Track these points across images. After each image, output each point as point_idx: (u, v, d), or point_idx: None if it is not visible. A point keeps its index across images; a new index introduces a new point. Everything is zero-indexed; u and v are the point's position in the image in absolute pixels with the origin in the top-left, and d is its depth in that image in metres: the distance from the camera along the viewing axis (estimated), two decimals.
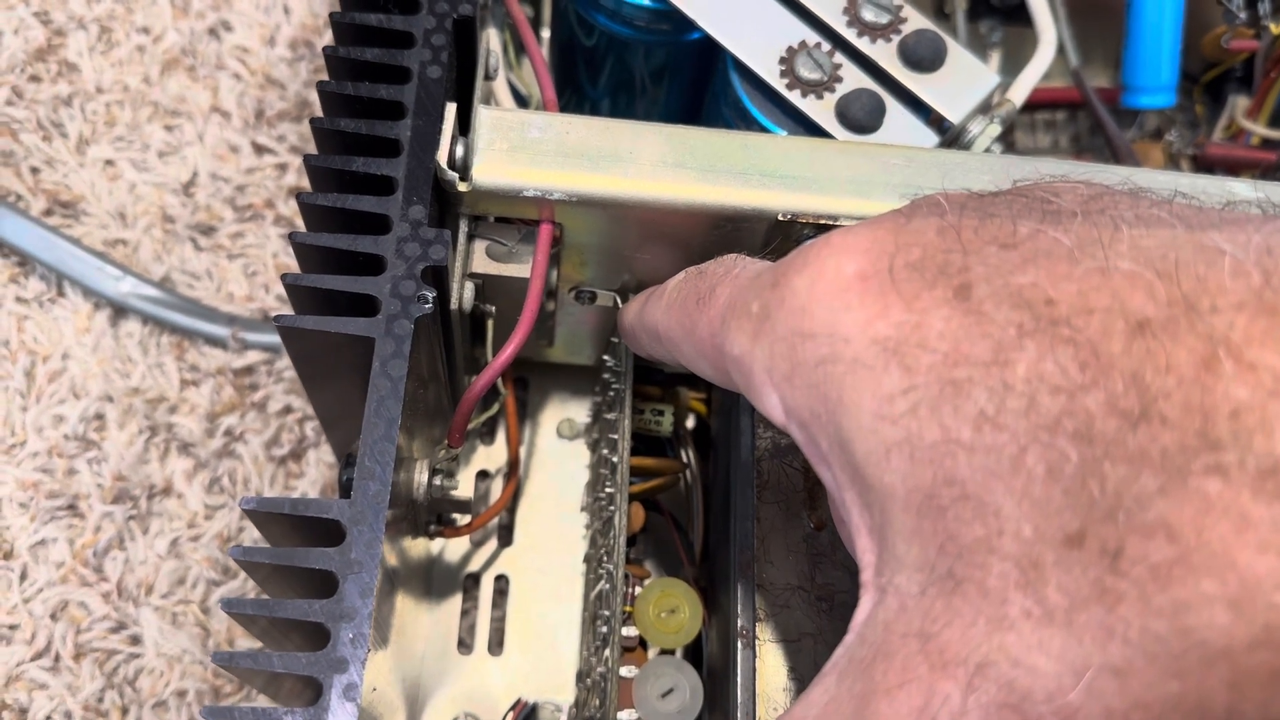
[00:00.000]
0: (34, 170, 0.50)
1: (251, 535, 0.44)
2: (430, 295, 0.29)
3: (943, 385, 0.19)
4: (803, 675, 0.30)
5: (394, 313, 0.29)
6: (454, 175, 0.32)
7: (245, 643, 0.42)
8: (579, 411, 0.46)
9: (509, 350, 0.32)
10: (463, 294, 0.33)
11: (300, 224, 0.50)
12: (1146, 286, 0.18)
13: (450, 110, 0.32)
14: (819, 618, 0.31)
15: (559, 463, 0.45)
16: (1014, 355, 0.18)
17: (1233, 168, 0.49)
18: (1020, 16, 0.45)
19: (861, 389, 0.20)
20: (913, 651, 0.18)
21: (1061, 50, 0.48)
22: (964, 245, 0.20)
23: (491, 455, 0.45)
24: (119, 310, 0.47)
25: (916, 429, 0.19)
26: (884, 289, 0.20)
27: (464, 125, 0.33)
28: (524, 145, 0.33)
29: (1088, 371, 0.17)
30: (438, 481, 0.33)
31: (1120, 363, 0.17)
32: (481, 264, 0.34)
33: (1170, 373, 0.17)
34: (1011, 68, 0.43)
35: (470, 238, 0.34)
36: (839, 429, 0.20)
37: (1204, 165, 0.50)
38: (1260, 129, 0.48)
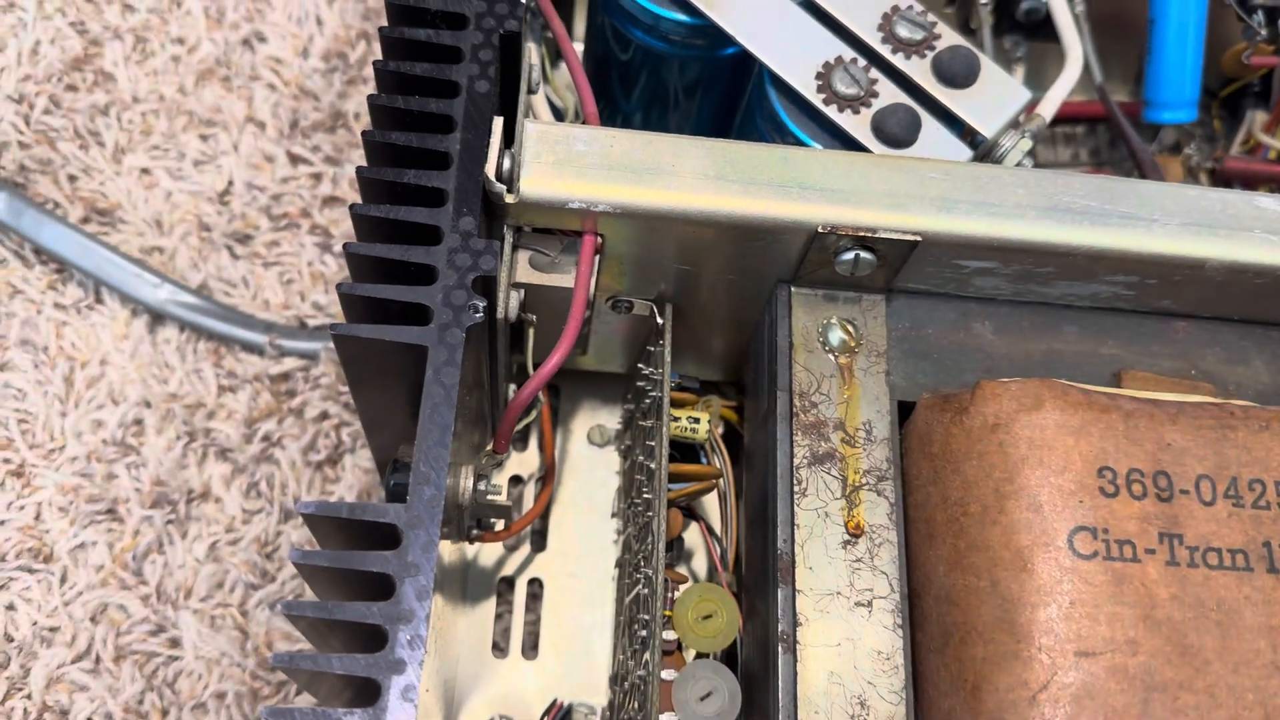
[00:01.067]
0: (71, 178, 0.51)
1: (289, 539, 0.45)
2: (481, 304, 0.30)
3: None
4: (843, 679, 0.31)
5: (446, 321, 0.30)
6: (502, 187, 0.33)
7: (283, 645, 0.43)
8: (609, 419, 0.46)
9: (555, 358, 0.33)
10: (509, 303, 0.34)
11: (335, 233, 0.50)
12: None
13: (498, 124, 0.33)
14: (858, 623, 0.32)
15: (590, 469, 0.46)
16: None
17: (1250, 181, 0.50)
18: (1043, 32, 0.46)
19: None
20: None
21: (1087, 66, 0.49)
22: None
23: (524, 461, 0.46)
24: (156, 317, 0.48)
25: None
26: None
27: (509, 138, 0.34)
28: (570, 158, 0.33)
29: None
30: (481, 486, 0.34)
31: None
32: (525, 274, 0.35)
33: None
34: (1034, 83, 0.44)
35: (514, 248, 0.35)
36: None
37: (1222, 179, 0.51)
38: (1278, 143, 0.49)
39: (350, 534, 0.29)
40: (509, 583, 0.43)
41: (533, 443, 0.46)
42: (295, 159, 0.52)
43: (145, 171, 0.51)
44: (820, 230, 0.33)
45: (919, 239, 0.33)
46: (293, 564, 0.28)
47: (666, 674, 0.35)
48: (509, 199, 0.33)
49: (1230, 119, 0.54)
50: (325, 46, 0.54)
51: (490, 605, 0.43)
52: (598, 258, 0.35)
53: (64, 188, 0.50)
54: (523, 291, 0.35)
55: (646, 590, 0.35)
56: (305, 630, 0.31)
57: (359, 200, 0.32)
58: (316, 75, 0.53)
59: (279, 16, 0.55)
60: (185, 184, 0.51)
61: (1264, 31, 0.48)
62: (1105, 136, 0.56)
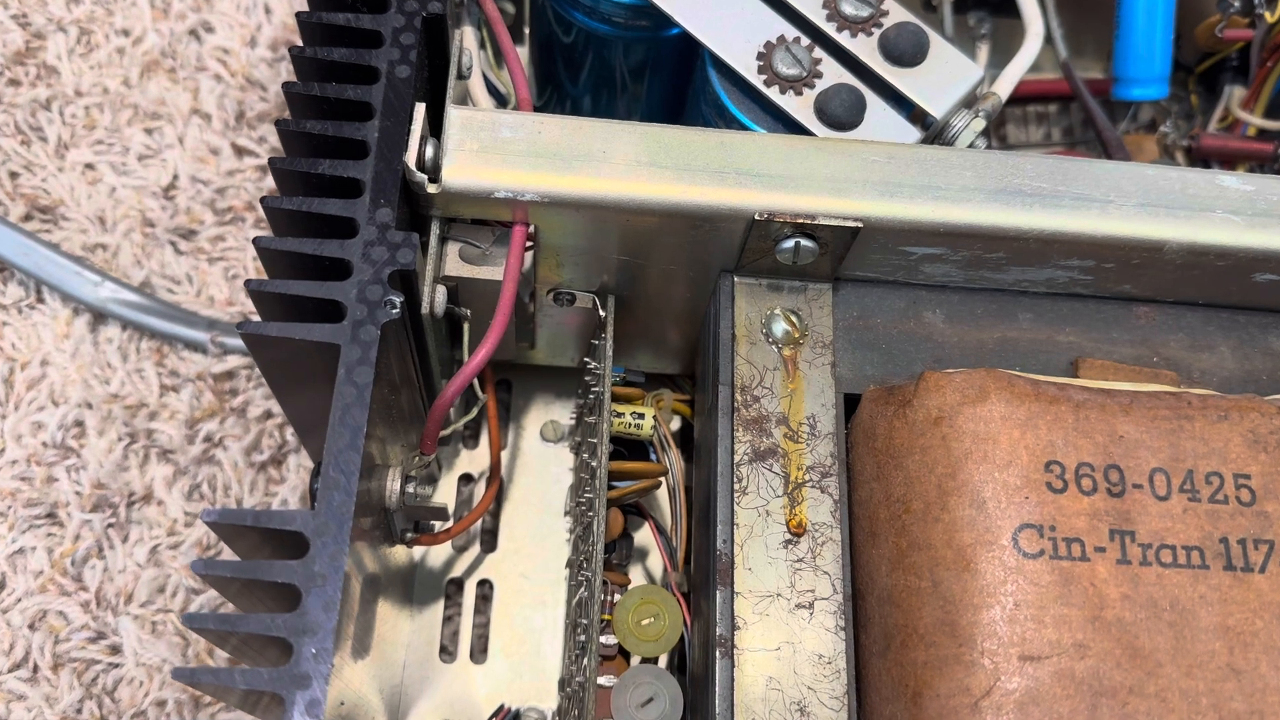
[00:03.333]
0: (12, 175, 0.49)
1: None
2: (398, 300, 0.29)
3: None
4: (782, 685, 0.30)
5: (360, 318, 0.29)
6: (423, 177, 0.31)
7: (225, 653, 0.42)
8: (563, 414, 0.45)
9: (480, 355, 0.31)
10: (434, 298, 0.33)
11: None
12: None
13: (419, 110, 0.32)
14: (799, 626, 0.30)
15: (543, 466, 0.44)
16: None
17: (1228, 159, 0.48)
18: (1009, 8, 0.44)
19: None
20: None
21: (1051, 41, 0.47)
22: None
23: (475, 459, 0.44)
24: (98, 316, 0.47)
25: None
26: None
27: (436, 126, 0.33)
28: (495, 145, 0.32)
29: None
30: (410, 489, 0.33)
31: None
32: (454, 266, 0.34)
33: None
34: (1001, 60, 0.43)
35: (443, 240, 0.34)
36: None
37: (1199, 157, 0.49)
38: (1256, 120, 0.47)
39: (263, 542, 0.28)
40: (458, 584, 0.42)
41: (484, 440, 0.45)
42: (241, 151, 0.50)
43: (89, 167, 0.50)
44: (758, 218, 0.32)
45: (860, 225, 0.32)
46: (197, 575, 0.27)
47: (606, 680, 0.34)
48: (431, 189, 0.31)
49: (1208, 95, 0.52)
50: (273, 35, 0.53)
51: (438, 608, 0.41)
52: (530, 249, 0.34)
53: (4, 185, 0.49)
54: (454, 285, 0.34)
55: (586, 593, 0.34)
56: (226, 647, 0.30)
57: None
58: (264, 65, 0.52)
59: (227, 6, 0.53)
60: (129, 179, 0.49)
61: (1237, 3, 0.46)
62: (1078, 116, 0.54)
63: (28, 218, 0.49)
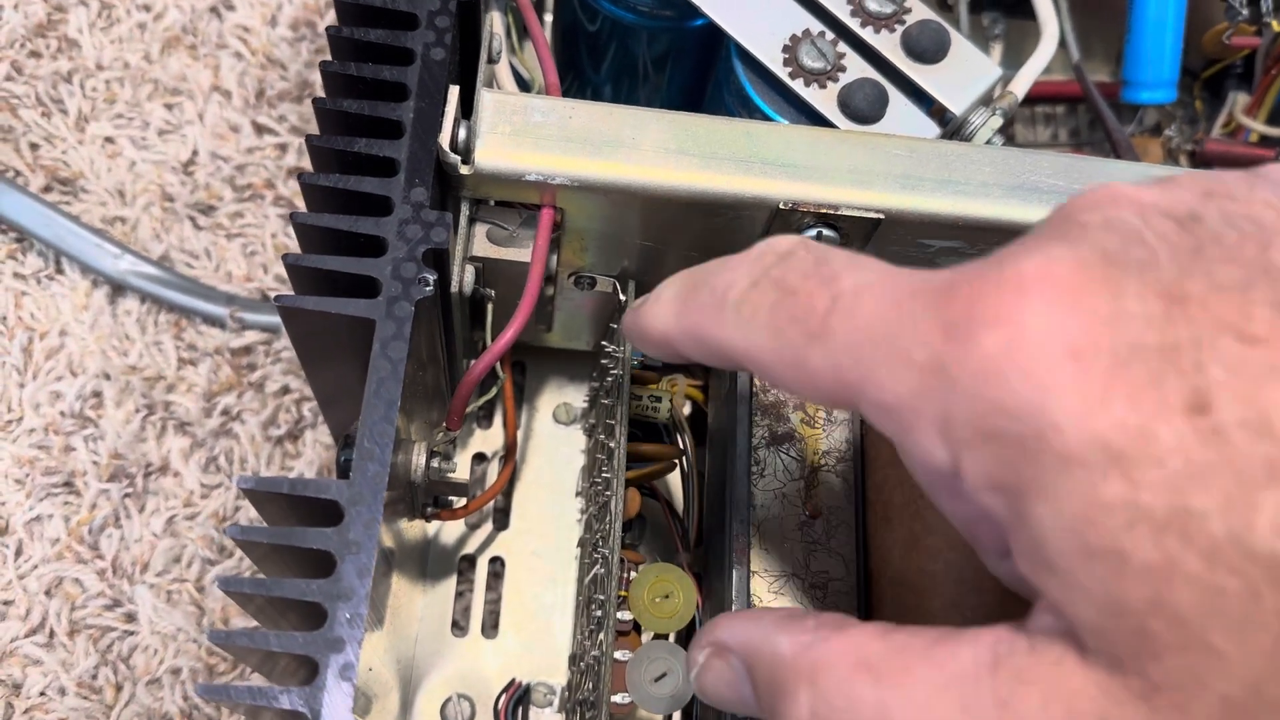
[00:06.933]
0: (33, 146, 0.50)
1: (247, 514, 0.44)
2: (431, 278, 0.30)
3: (1172, 509, 0.17)
4: None
5: (395, 295, 0.29)
6: (456, 158, 0.32)
7: (240, 622, 0.42)
8: (576, 396, 0.46)
9: (508, 335, 0.32)
10: (463, 277, 0.33)
11: (300, 205, 0.50)
12: None
13: (453, 93, 0.32)
14: (813, 606, 0.31)
15: (555, 447, 0.45)
16: (1260, 497, 0.17)
17: (1231, 165, 0.49)
18: (1022, 9, 0.45)
19: (1071, 487, 0.18)
20: None
21: (1063, 44, 0.48)
22: (1194, 328, 0.18)
23: (489, 439, 0.45)
24: (117, 288, 0.47)
25: (1131, 546, 0.18)
26: (1104, 376, 0.18)
27: (467, 108, 0.33)
28: (527, 129, 0.33)
29: None
30: (435, 464, 0.33)
31: None
32: (482, 247, 0.34)
33: None
34: (1012, 60, 0.44)
35: (471, 221, 0.34)
36: (1028, 510, 0.19)
37: (1202, 162, 0.50)
38: (1259, 126, 0.48)
39: (293, 510, 0.29)
40: (470, 561, 0.43)
41: (497, 420, 0.45)
42: (261, 129, 0.51)
43: (109, 140, 0.50)
44: (782, 207, 0.32)
45: (881, 217, 0.32)
46: (231, 539, 0.28)
47: (621, 655, 0.35)
48: (464, 170, 0.32)
49: (1212, 100, 0.53)
50: (294, 15, 0.53)
51: (451, 583, 0.42)
52: (556, 232, 0.34)
53: (25, 156, 0.49)
54: (480, 266, 0.35)
55: (603, 570, 0.35)
56: (249, 609, 0.30)
57: None
58: (284, 44, 0.52)
59: None
60: (149, 153, 0.50)
61: (1245, 11, 0.47)
62: (1086, 117, 0.55)
63: (48, 189, 0.49)
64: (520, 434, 0.45)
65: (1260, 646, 0.17)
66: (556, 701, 0.40)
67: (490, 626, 0.42)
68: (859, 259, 0.23)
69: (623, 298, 0.38)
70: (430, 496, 0.37)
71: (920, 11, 0.37)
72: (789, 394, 0.25)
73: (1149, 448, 0.17)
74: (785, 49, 0.36)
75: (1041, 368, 0.18)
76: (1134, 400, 0.18)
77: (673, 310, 0.26)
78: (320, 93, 0.32)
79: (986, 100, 0.37)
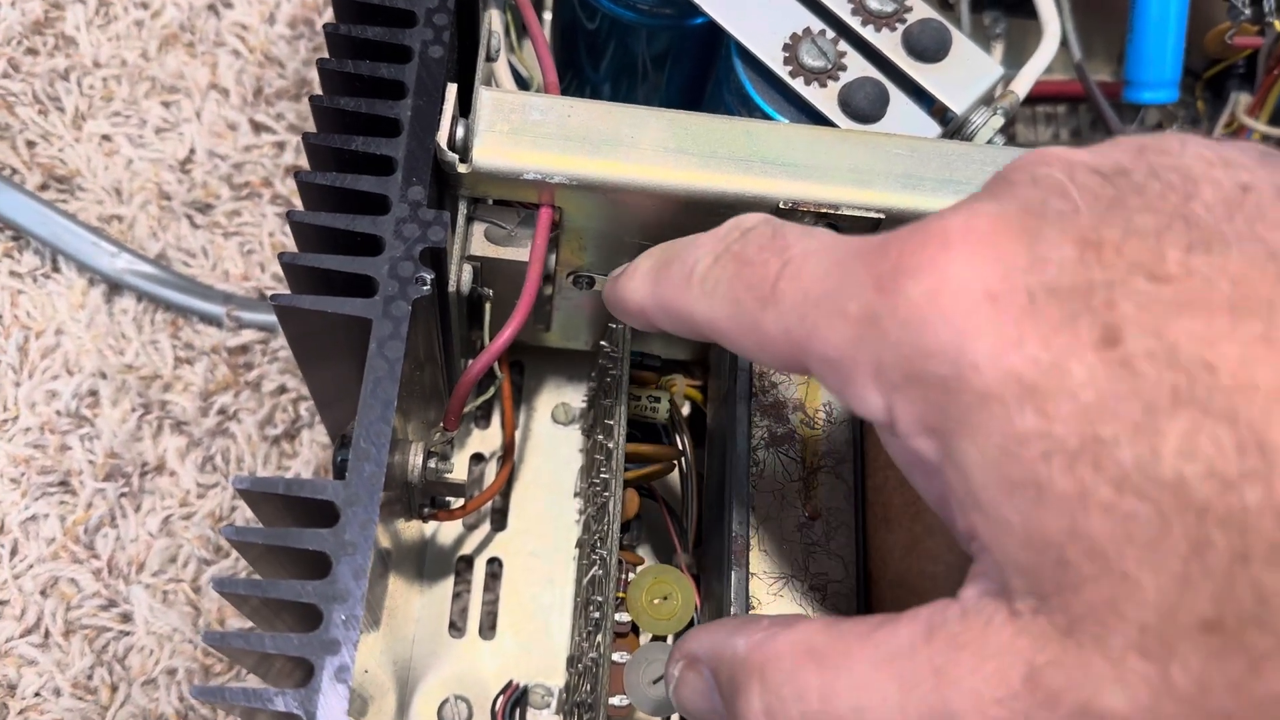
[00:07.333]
0: (30, 144, 0.49)
1: (243, 515, 0.44)
2: (428, 277, 0.29)
3: (1084, 438, 0.18)
4: None
5: (391, 294, 0.29)
6: (454, 156, 0.32)
7: (236, 622, 0.42)
8: (574, 396, 0.46)
9: (506, 334, 0.32)
10: (461, 276, 0.33)
11: (298, 203, 0.49)
12: None
13: (451, 91, 0.32)
14: (811, 608, 0.31)
15: (554, 447, 0.45)
16: (1166, 423, 0.17)
17: None
18: (1024, 9, 0.45)
19: (989, 422, 0.19)
20: (1014, 673, 0.19)
21: (1065, 43, 0.48)
22: (1107, 270, 0.19)
23: (486, 439, 0.45)
24: (114, 287, 0.47)
25: (1048, 476, 0.18)
26: (1019, 316, 0.19)
27: (465, 106, 0.33)
28: (525, 128, 0.32)
29: (1247, 459, 0.17)
30: (432, 464, 0.33)
31: None
32: (480, 247, 0.34)
33: None
34: (1014, 60, 0.43)
35: (469, 220, 0.34)
36: (955, 449, 0.20)
37: None
38: (1261, 126, 0.48)
39: (289, 511, 0.28)
40: (468, 561, 0.43)
41: (495, 420, 0.45)
42: (258, 127, 0.51)
43: (106, 138, 0.50)
44: (782, 206, 0.32)
45: (882, 216, 0.32)
46: (227, 540, 0.28)
47: (619, 656, 0.34)
48: (462, 169, 0.32)
49: (1214, 101, 0.53)
50: (292, 13, 0.53)
51: (448, 584, 0.42)
52: (555, 231, 0.34)
53: (22, 154, 0.49)
54: (478, 265, 0.34)
55: (601, 571, 0.34)
56: (245, 610, 0.30)
57: None
58: (282, 42, 0.52)
59: None
60: (146, 151, 0.50)
61: (1247, 11, 0.47)
62: (1087, 117, 0.55)
63: (44, 187, 0.49)
64: (518, 434, 0.45)
65: (1171, 570, 0.17)
66: (554, 703, 0.40)
67: (488, 628, 0.42)
68: (812, 230, 0.24)
69: None
70: (427, 497, 0.37)
71: (921, 10, 0.36)
72: (755, 363, 0.25)
73: (1061, 381, 0.18)
74: (786, 48, 0.36)
75: (961, 311, 0.19)
76: (1047, 338, 0.18)
77: (647, 284, 0.28)
78: (318, 91, 0.32)
79: (988, 100, 0.37)
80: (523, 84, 0.40)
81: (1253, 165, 0.20)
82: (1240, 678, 0.17)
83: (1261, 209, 0.19)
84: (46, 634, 0.42)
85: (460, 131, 0.32)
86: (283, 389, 0.45)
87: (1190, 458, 0.17)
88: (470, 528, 0.43)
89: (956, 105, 0.36)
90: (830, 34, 0.36)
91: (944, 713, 0.19)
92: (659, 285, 0.28)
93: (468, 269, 0.33)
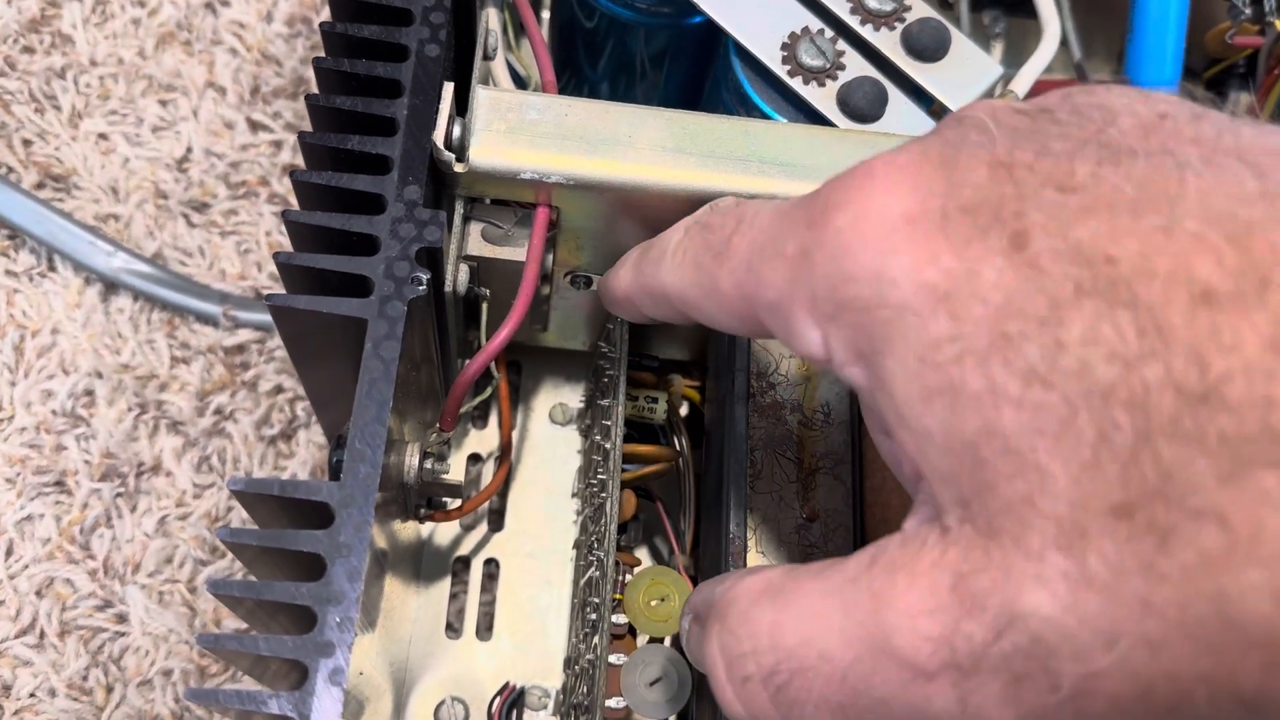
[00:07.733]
0: (26, 143, 0.49)
1: (240, 515, 0.44)
2: (424, 277, 0.29)
3: (993, 337, 0.19)
4: None
5: (387, 294, 0.29)
6: (450, 156, 0.31)
7: (232, 623, 0.42)
8: (572, 397, 0.45)
9: (503, 334, 0.32)
10: (457, 276, 0.33)
11: (295, 203, 0.49)
12: (1214, 252, 0.17)
13: (448, 90, 0.32)
14: None
15: (551, 448, 0.45)
16: (1069, 314, 0.18)
17: None
18: (1023, 8, 0.45)
19: (907, 333, 0.20)
20: (942, 585, 0.19)
21: (1064, 42, 0.48)
22: (1018, 187, 0.19)
23: (483, 439, 0.45)
24: (110, 286, 0.47)
25: (960, 377, 0.19)
26: (933, 234, 0.20)
27: (461, 105, 0.33)
28: (522, 127, 0.32)
29: (1146, 340, 0.17)
30: (428, 465, 0.33)
31: (1181, 335, 0.17)
32: (477, 246, 0.34)
33: (1235, 353, 0.16)
34: (1014, 59, 0.43)
35: (466, 219, 0.34)
36: (879, 369, 0.20)
37: None
38: None
39: (284, 512, 0.28)
40: (464, 562, 0.42)
41: (493, 420, 0.45)
42: (255, 126, 0.50)
43: (102, 137, 0.50)
44: None
45: None
46: (221, 542, 0.28)
47: (616, 658, 0.34)
48: (458, 168, 0.32)
49: (1215, 100, 0.53)
50: (289, 11, 0.53)
51: (445, 585, 0.42)
52: (552, 231, 0.34)
53: (18, 152, 0.49)
54: (475, 265, 0.34)
55: (598, 572, 0.34)
56: (240, 612, 0.30)
57: None
58: (280, 40, 0.52)
59: None
60: (143, 150, 0.49)
61: (1248, 11, 0.47)
62: None
63: (40, 185, 0.49)
64: (515, 435, 0.45)
65: (1081, 458, 0.17)
66: (551, 705, 0.40)
67: (484, 629, 0.41)
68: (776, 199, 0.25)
69: None
70: (424, 498, 0.37)
71: (921, 9, 0.36)
72: (719, 329, 0.26)
73: (971, 285, 0.19)
74: (784, 47, 0.36)
75: (880, 235, 0.20)
76: (959, 249, 0.19)
77: (630, 272, 0.30)
78: (316, 89, 0.32)
79: (987, 99, 0.37)
80: (520, 83, 0.40)
81: (1175, 101, 0.20)
82: (1151, 557, 0.17)
83: (1178, 130, 0.19)
84: (42, 634, 0.41)
85: (457, 130, 0.32)
86: (279, 389, 0.45)
87: (1093, 344, 0.17)
88: (467, 528, 0.43)
89: (956, 105, 0.36)
90: (829, 33, 0.36)
91: (879, 632, 0.20)
92: (640, 268, 0.29)
93: (464, 269, 0.33)
